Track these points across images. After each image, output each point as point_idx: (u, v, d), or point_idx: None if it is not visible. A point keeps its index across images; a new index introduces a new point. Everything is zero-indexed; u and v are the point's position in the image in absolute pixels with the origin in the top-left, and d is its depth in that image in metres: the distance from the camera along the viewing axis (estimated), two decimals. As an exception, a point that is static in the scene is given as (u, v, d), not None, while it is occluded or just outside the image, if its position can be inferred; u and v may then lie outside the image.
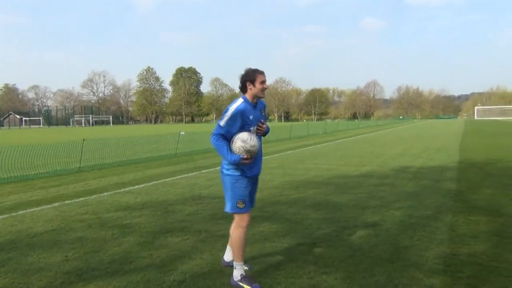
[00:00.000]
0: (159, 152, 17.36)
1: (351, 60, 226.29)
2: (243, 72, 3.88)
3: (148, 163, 14.27)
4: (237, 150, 3.70)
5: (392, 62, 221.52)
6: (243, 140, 3.68)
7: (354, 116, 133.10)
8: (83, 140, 14.13)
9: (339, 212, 6.51)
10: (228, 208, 3.90)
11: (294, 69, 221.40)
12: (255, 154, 3.76)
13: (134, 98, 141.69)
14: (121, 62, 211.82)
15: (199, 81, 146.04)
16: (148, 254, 4.68)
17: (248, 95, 3.85)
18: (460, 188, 8.38)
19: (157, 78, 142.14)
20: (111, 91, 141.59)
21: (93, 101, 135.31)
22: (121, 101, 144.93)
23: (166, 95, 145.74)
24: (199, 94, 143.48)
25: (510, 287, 3.60)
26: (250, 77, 3.81)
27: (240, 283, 3.75)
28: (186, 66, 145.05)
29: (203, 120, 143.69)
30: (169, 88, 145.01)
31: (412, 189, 8.38)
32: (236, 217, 3.92)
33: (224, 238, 5.21)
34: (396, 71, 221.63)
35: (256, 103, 3.90)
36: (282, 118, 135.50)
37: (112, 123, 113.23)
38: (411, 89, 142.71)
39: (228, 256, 4.22)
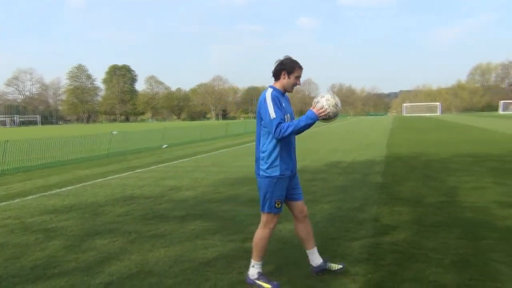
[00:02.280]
0: (90, 152, 16.73)
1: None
2: (283, 60, 3.67)
3: (78, 164, 13.72)
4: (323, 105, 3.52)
5: (326, 61, 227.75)
6: (327, 99, 3.55)
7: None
8: (6, 141, 13.30)
9: (271, 207, 6.59)
10: (265, 208, 3.69)
11: (231, 67, 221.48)
12: (335, 114, 3.59)
13: (64, 97, 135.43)
14: (50, 59, 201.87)
15: (133, 79, 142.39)
16: (74, 258, 4.50)
17: (278, 85, 3.70)
18: (386, 181, 8.78)
19: (89, 76, 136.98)
20: (39, 89, 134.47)
21: (19, 100, 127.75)
22: (50, 100, 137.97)
23: (99, 94, 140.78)
24: (133, 92, 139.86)
25: (427, 271, 3.82)
26: (288, 67, 3.64)
27: (258, 282, 3.67)
28: (120, 64, 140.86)
29: (139, 119, 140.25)
30: (102, 86, 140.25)
31: (342, 183, 8.67)
32: (266, 218, 3.72)
33: (154, 238, 5.14)
34: (330, 69, 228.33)
35: (284, 95, 3.76)
36: (219, 116, 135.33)
37: (41, 123, 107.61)
38: (344, 86, 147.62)
39: (315, 260, 3.89)
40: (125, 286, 3.72)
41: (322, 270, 3.83)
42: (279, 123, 3.49)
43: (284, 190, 3.70)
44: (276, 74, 3.69)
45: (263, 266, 3.81)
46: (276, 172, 3.63)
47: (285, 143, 3.64)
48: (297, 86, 3.77)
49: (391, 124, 42.10)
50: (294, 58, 3.71)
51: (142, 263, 4.27)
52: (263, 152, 3.66)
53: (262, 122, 3.63)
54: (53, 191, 8.72)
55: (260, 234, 3.76)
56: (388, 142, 19.25)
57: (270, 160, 3.63)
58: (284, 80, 3.67)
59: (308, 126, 3.51)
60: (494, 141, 17.60)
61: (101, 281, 3.82)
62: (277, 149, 3.62)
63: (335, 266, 3.82)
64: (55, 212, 6.75)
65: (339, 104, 3.62)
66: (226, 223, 5.74)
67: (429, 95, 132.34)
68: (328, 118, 3.58)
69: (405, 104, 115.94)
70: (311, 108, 3.55)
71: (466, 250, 4.37)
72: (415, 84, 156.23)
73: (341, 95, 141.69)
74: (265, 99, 3.59)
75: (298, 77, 3.68)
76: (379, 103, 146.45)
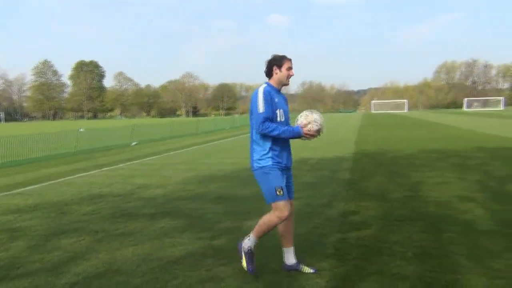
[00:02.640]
0: (57, 150, 16.35)
1: (258, 56, 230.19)
2: (270, 57, 3.83)
3: (44, 162, 13.40)
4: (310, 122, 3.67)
5: (297, 58, 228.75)
6: (311, 117, 3.68)
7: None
8: (-33, 139, 12.86)
9: (240, 205, 6.63)
10: (269, 199, 3.71)
11: (202, 64, 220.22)
12: (319, 130, 3.72)
13: (29, 93, 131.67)
14: (15, 55, 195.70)
15: (101, 75, 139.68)
16: (38, 258, 4.41)
17: (272, 81, 3.82)
18: (354, 177, 8.94)
19: (55, 72, 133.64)
20: (2, 85, 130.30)
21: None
22: (14, 96, 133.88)
23: (66, 90, 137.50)
24: (102, 88, 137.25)
25: (391, 264, 3.93)
26: (278, 61, 3.78)
27: (243, 254, 3.81)
28: (87, 60, 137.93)
29: (107, 116, 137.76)
30: (69, 82, 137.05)
31: (311, 179, 8.78)
32: (277, 207, 3.67)
33: (122, 236, 5.09)
34: (300, 66, 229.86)
35: (280, 92, 3.87)
36: (190, 113, 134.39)
37: (5, 120, 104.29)
38: (314, 84, 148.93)
39: (289, 259, 3.91)
40: (92, 285, 3.68)
41: (294, 270, 3.86)
42: (266, 118, 3.61)
43: (281, 178, 3.71)
44: (268, 72, 3.85)
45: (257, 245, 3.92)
46: (268, 162, 3.70)
47: (278, 139, 3.71)
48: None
49: (360, 121, 42.77)
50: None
51: (109, 262, 4.23)
52: (256, 144, 3.76)
53: (252, 116, 3.74)
54: (18, 190, 8.50)
55: (269, 218, 3.76)
56: (356, 139, 19.57)
57: (262, 152, 3.73)
58: (277, 75, 3.81)
59: (288, 137, 3.71)
60: (458, 138, 18.13)
61: (67, 281, 3.77)
62: (270, 142, 3.71)
63: (307, 269, 3.83)
64: (19, 211, 6.59)
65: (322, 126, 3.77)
66: (195, 221, 5.74)
67: (397, 92, 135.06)
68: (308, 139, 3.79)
69: (373, 101, 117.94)
70: (301, 127, 3.67)
71: (428, 243, 4.51)
72: (383, 82, 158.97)
73: (311, 93, 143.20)
74: (257, 93, 3.72)
75: (289, 68, 3.81)
76: (348, 100, 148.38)
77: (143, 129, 25.22)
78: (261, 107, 3.64)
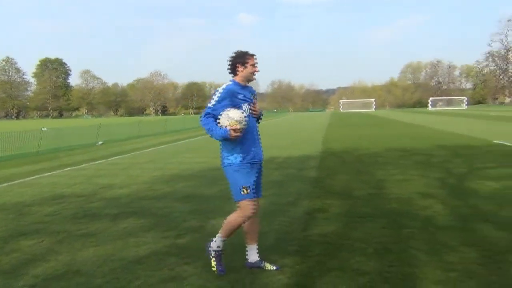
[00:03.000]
0: (19, 150, 15.89)
1: (227, 55, 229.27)
2: (233, 55, 3.78)
3: (5, 163, 13.02)
4: (223, 123, 3.56)
5: (266, 57, 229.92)
6: (227, 114, 3.56)
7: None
8: None
9: (206, 203, 6.62)
10: (235, 197, 3.72)
11: (170, 62, 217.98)
12: (243, 128, 3.59)
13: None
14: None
15: (67, 73, 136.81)
16: (-5, 261, 4.29)
17: (238, 78, 3.79)
18: (320, 175, 9.06)
19: (18, 70, 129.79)
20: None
21: None
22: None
23: (29, 88, 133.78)
24: (67, 87, 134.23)
25: (351, 260, 4.00)
26: (241, 59, 3.75)
27: (211, 255, 3.81)
28: (52, 57, 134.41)
29: (73, 115, 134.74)
30: (33, 80, 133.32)
31: (277, 178, 8.84)
32: (241, 205, 3.71)
33: (84, 237, 5.01)
34: (270, 66, 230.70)
35: (246, 87, 3.85)
36: (159, 112, 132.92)
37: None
38: (284, 83, 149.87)
39: (252, 256, 3.92)
40: (51, 287, 3.60)
41: (256, 267, 3.89)
42: (210, 113, 3.65)
43: (250, 177, 3.72)
44: (232, 69, 3.81)
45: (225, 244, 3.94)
46: (237, 159, 3.70)
47: (245, 133, 3.67)
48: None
49: (328, 120, 43.32)
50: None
51: (70, 263, 4.15)
52: (222, 142, 3.75)
53: None
54: (-24, 192, 8.22)
55: (234, 217, 3.79)
56: (324, 137, 19.80)
57: (230, 148, 3.72)
58: (242, 72, 3.79)
59: (215, 137, 3.63)
60: (422, 136, 18.60)
61: (25, 284, 3.68)
62: (233, 141, 3.68)
63: (270, 266, 3.86)
64: (-23, 213, 6.38)
65: (238, 118, 3.59)
66: (160, 220, 5.70)
67: (365, 91, 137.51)
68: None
69: (341, 101, 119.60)
70: (229, 129, 3.55)
71: (389, 239, 4.62)
72: (351, 81, 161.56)
73: (281, 92, 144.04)
74: (217, 90, 3.76)
75: (254, 65, 3.79)
76: (317, 100, 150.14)
77: (110, 128, 24.78)
78: (213, 101, 3.68)
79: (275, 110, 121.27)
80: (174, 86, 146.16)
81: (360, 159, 11.55)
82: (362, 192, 7.14)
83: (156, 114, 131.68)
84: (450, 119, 36.44)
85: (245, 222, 3.83)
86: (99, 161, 12.86)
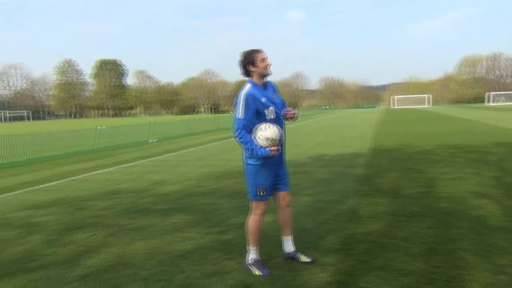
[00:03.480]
0: (77, 148, 16.71)
1: (277, 52, 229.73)
2: (240, 58, 3.75)
3: (64, 160, 13.73)
4: (260, 143, 3.60)
5: (317, 54, 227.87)
6: (265, 136, 3.57)
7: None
8: (-9, 137, 13.26)
9: (252, 200, 6.69)
10: (250, 195, 3.88)
11: (221, 60, 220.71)
12: (279, 142, 3.66)
13: (53, 92, 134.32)
14: (38, 54, 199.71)
15: (123, 74, 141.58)
16: (52, 252, 4.57)
17: (254, 78, 3.76)
18: (368, 173, 8.91)
19: (78, 71, 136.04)
20: (27, 84, 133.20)
21: (7, 96, 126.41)
22: (40, 95, 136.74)
23: (88, 89, 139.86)
24: (123, 87, 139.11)
25: (395, 259, 3.94)
26: (249, 59, 3.71)
27: (251, 267, 3.81)
28: (109, 58, 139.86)
29: (129, 113, 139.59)
30: (91, 81, 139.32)
31: (324, 175, 8.79)
32: (254, 205, 3.89)
33: (134, 231, 5.22)
34: (321, 62, 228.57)
35: (265, 85, 3.82)
36: (209, 110, 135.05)
37: (30, 119, 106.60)
38: (335, 79, 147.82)
39: (288, 247, 4.08)
40: (101, 277, 3.80)
41: (292, 258, 3.98)
42: (244, 126, 3.65)
43: (268, 179, 3.80)
44: (246, 72, 3.78)
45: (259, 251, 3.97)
46: (257, 161, 3.74)
47: None
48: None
49: (380, 117, 42.35)
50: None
51: (120, 256, 4.36)
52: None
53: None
54: (38, 187, 8.75)
55: (250, 220, 3.93)
56: (374, 134, 19.41)
57: (253, 148, 3.68)
58: (255, 71, 3.73)
59: (256, 156, 3.66)
60: (479, 133, 17.82)
61: (78, 274, 3.91)
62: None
63: (304, 258, 3.96)
64: (38, 207, 6.80)
65: (274, 136, 3.61)
66: (207, 216, 5.83)
67: (419, 87, 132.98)
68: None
69: (394, 97, 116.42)
70: (269, 149, 3.59)
71: (436, 239, 4.50)
72: (405, 76, 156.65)
73: (331, 88, 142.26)
74: (239, 96, 3.69)
75: (263, 59, 3.71)
76: (369, 96, 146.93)
77: (162, 126, 25.52)
78: (240, 112, 3.64)
79: (325, 107, 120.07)
80: (225, 84, 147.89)
81: (411, 156, 11.25)
82: (411, 191, 6.96)
83: (208, 112, 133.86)
84: (510, 115, 34.60)
85: (278, 217, 4.06)
86: (152, 158, 13.29)
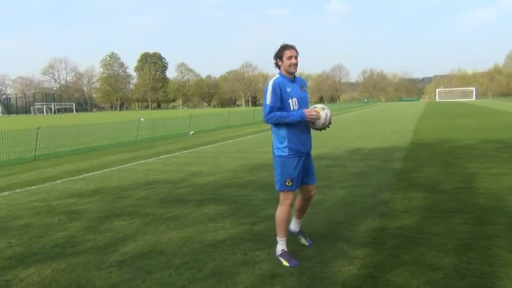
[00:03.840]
0: (120, 139, 17.23)
1: (317, 44, 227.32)
2: (275, 51, 3.96)
3: (107, 150, 14.19)
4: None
5: (357, 46, 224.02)
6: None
7: (320, 100, 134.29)
8: (38, 128, 13.88)
9: (285, 192, 6.73)
10: (277, 186, 3.97)
11: (260, 53, 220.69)
12: (321, 117, 3.85)
13: (97, 85, 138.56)
14: (84, 48, 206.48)
15: (164, 67, 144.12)
16: (92, 238, 4.78)
17: (282, 71, 3.94)
18: (405, 167, 8.77)
19: (122, 64, 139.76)
20: (74, 77, 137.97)
21: (55, 88, 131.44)
22: (84, 88, 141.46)
23: (131, 81, 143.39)
24: (164, 80, 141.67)
25: (426, 254, 3.89)
26: (278, 54, 3.91)
27: (280, 258, 3.87)
28: (151, 52, 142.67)
29: (170, 106, 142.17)
30: (134, 74, 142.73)
31: (360, 169, 8.71)
32: (281, 195, 3.98)
33: (169, 220, 5.38)
34: (361, 54, 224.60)
35: (294, 78, 3.99)
36: (249, 103, 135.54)
37: (76, 111, 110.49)
38: (376, 72, 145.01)
39: (294, 226, 4.36)
40: (136, 264, 3.96)
41: (293, 235, 4.31)
42: (272, 108, 3.80)
43: (295, 169, 3.88)
44: (276, 65, 3.98)
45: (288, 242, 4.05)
46: (284, 152, 3.88)
47: (293, 125, 3.84)
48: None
49: (422, 110, 41.29)
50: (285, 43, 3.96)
51: (154, 244, 4.51)
52: (274, 133, 3.97)
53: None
54: (81, 176, 9.12)
55: (278, 211, 4.01)
56: (415, 128, 18.99)
57: (279, 141, 3.91)
58: (282, 66, 3.92)
59: (294, 121, 3.81)
60: (526, 127, 17.10)
61: (114, 259, 4.08)
62: (284, 131, 3.87)
63: (303, 241, 4.29)
64: (80, 195, 7.10)
65: (327, 120, 3.93)
66: (240, 207, 5.93)
67: (464, 79, 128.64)
68: (314, 125, 3.92)
69: (438, 90, 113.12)
70: (305, 110, 3.83)
71: (471, 235, 4.40)
72: (450, 69, 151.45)
73: (372, 81, 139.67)
74: (267, 85, 3.91)
75: (290, 57, 3.85)
76: (412, 89, 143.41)
77: (201, 118, 25.89)
78: (268, 98, 3.82)
79: (366, 100, 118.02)
80: (264, 77, 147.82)
81: (451, 151, 10.96)
82: (449, 186, 6.81)
83: (247, 105, 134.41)
84: None
85: (296, 203, 4.20)
86: (190, 150, 13.55)
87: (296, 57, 3.88)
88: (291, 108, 3.83)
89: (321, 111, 3.87)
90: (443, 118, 26.62)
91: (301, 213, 4.35)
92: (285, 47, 3.89)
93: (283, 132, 3.87)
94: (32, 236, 4.93)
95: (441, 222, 4.90)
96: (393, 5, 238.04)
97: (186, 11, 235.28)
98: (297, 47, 3.93)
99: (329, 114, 3.92)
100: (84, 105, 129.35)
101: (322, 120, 3.87)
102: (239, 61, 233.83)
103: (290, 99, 3.84)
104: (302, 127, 3.91)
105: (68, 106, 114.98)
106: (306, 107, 3.95)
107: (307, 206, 4.33)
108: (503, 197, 5.97)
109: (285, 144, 3.87)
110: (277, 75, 3.94)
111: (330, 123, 3.95)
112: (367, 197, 6.26)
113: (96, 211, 6.01)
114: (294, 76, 3.99)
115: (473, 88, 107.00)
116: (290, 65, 3.87)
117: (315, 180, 4.17)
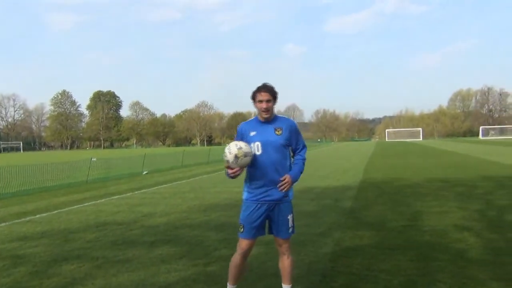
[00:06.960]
0: (70, 179, 16.74)
1: (273, 84, 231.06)
2: None
3: (56, 191, 13.75)
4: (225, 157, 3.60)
5: (311, 87, 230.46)
6: (228, 148, 3.60)
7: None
8: (-17, 168, 13.30)
9: (238, 232, 6.77)
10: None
11: (217, 92, 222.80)
12: (239, 164, 3.56)
13: (47, 123, 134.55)
14: (33, 85, 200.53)
15: (118, 105, 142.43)
16: (38, 283, 4.62)
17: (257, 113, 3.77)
18: (356, 205, 9.03)
19: (73, 102, 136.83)
20: (22, 115, 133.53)
21: (1, 127, 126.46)
22: (33, 126, 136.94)
23: (83, 120, 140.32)
24: (118, 118, 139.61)
25: (374, 292, 4.03)
26: (252, 95, 3.73)
27: None
28: (105, 90, 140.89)
29: (123, 145, 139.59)
30: (86, 112, 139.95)
31: (312, 208, 8.90)
32: (238, 241, 3.79)
33: (120, 263, 5.28)
34: (314, 95, 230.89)
35: (272, 120, 3.75)
36: (205, 142, 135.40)
37: (23, 150, 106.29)
38: (328, 112, 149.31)
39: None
40: (84, 309, 3.86)
41: None
42: None
43: (249, 216, 3.67)
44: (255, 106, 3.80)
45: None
46: (243, 195, 3.78)
47: (254, 170, 3.66)
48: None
49: (373, 150, 42.70)
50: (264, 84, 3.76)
51: (104, 287, 4.41)
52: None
53: None
54: (27, 218, 8.78)
55: (232, 257, 3.83)
56: (365, 167, 19.60)
57: (244, 183, 3.79)
58: (256, 107, 3.75)
59: (228, 175, 3.66)
60: (467, 167, 18.06)
61: (62, 305, 3.96)
62: (247, 174, 3.75)
63: None
64: (26, 239, 6.84)
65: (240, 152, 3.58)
66: (193, 248, 5.90)
67: (412, 120, 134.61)
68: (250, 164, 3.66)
69: (388, 130, 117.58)
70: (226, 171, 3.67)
71: (416, 271, 4.60)
72: (398, 110, 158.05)
73: (325, 121, 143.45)
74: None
75: (260, 101, 3.64)
76: (363, 129, 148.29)
77: (155, 158, 25.61)
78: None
79: (319, 140, 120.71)
80: (220, 117, 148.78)
81: (399, 189, 11.40)
82: (396, 224, 7.08)
83: (202, 144, 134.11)
84: (500, 149, 35.06)
85: (240, 258, 3.76)
86: (143, 190, 13.35)
87: (268, 101, 3.64)
88: (254, 152, 3.64)
89: (227, 154, 3.57)
90: (392, 157, 27.64)
91: (284, 276, 3.89)
92: (258, 90, 3.69)
93: (247, 174, 3.72)
94: (-27, 283, 4.71)
95: (388, 259, 5.09)
96: (345, 49, 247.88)
97: (142, 49, 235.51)
98: (272, 89, 3.71)
99: (232, 148, 3.57)
100: (33, 143, 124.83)
101: (239, 158, 3.54)
102: (194, 100, 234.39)
103: (253, 143, 3.65)
104: (265, 174, 3.63)
105: (15, 145, 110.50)
106: (278, 152, 3.68)
107: (286, 264, 3.84)
108: (446, 233, 6.27)
109: (245, 187, 3.75)
110: (252, 117, 3.88)
111: (246, 153, 3.57)
112: (318, 236, 6.40)
113: (43, 255, 5.80)
114: (275, 117, 3.78)
115: (420, 129, 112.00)
116: (260, 110, 3.68)
117: (286, 235, 3.80)
